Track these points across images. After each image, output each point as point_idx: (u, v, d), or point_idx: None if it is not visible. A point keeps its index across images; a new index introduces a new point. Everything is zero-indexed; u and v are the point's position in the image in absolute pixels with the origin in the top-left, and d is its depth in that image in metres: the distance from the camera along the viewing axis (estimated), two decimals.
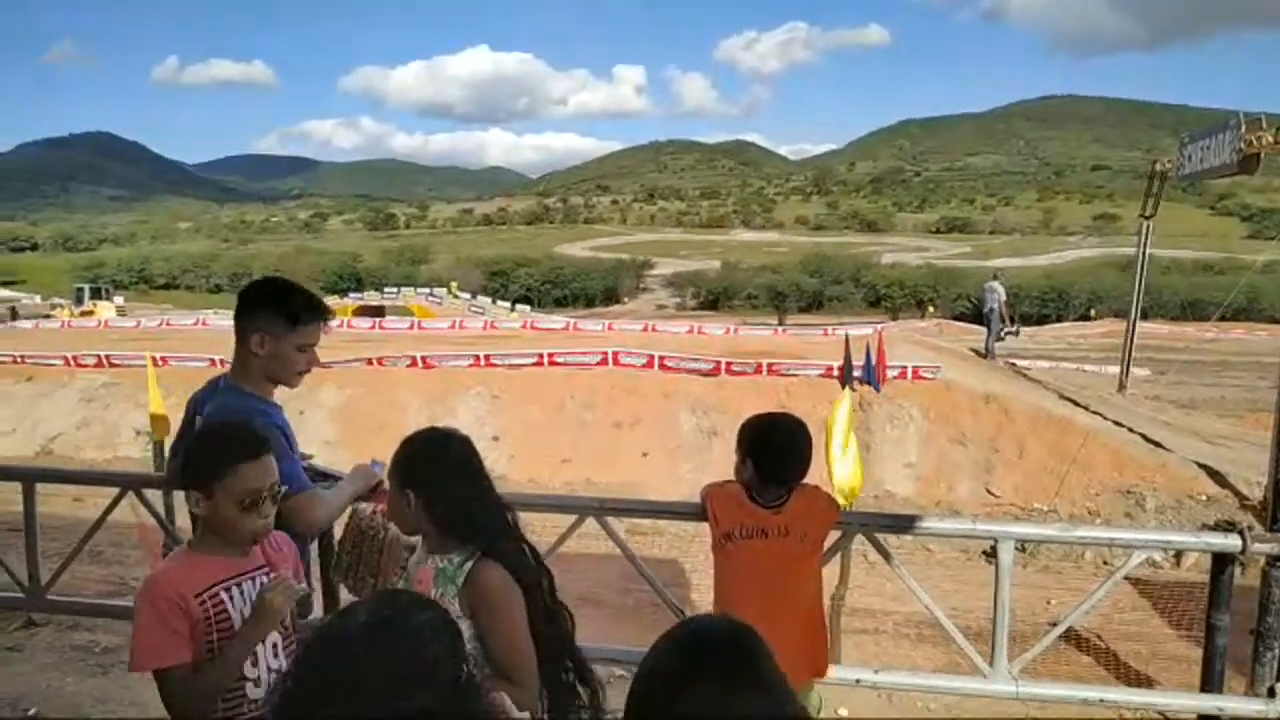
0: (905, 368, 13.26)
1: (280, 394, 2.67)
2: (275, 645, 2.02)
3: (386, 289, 43.88)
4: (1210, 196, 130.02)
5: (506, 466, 11.88)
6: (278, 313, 2.51)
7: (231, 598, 1.96)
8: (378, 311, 34.19)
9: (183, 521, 4.53)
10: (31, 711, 4.01)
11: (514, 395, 13.56)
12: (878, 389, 12.58)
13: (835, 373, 12.92)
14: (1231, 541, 3.32)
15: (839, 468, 4.93)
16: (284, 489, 2.08)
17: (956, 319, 50.56)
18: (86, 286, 44.99)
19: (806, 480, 2.81)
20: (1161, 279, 57.49)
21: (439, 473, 1.98)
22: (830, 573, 3.43)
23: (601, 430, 12.85)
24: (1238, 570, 3.41)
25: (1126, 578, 4.03)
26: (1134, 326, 15.91)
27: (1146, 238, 15.43)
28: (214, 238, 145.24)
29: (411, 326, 28.01)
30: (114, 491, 4.20)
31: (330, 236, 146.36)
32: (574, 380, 13.94)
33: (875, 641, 6.33)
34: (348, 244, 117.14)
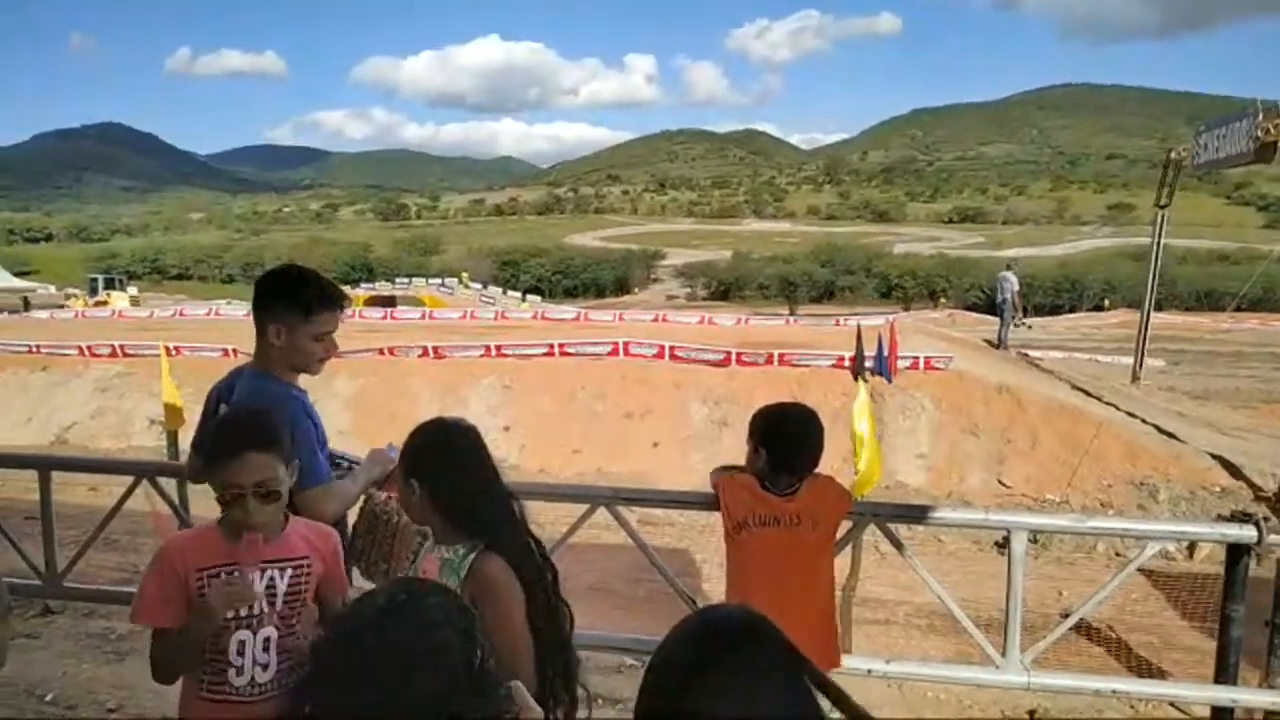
0: (917, 358, 13.20)
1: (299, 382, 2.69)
2: (268, 640, 2.02)
3: (398, 279, 43.99)
4: (1226, 185, 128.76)
5: (518, 456, 11.92)
6: (292, 304, 2.53)
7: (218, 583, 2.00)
8: (389, 302, 34.30)
9: (197, 510, 4.57)
10: (49, 697, 4.06)
11: (525, 385, 13.58)
12: (889, 379, 12.53)
13: (847, 363, 12.88)
14: (1247, 533, 3.30)
15: (861, 459, 4.98)
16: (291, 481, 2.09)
17: (969, 309, 50.31)
18: (100, 277, 45.18)
19: (819, 470, 2.82)
20: (1176, 269, 57.05)
21: (445, 463, 1.99)
22: (841, 563, 3.42)
23: (612, 420, 12.85)
24: (1253, 561, 3.39)
25: (1139, 569, 4.01)
26: (1148, 317, 15.81)
27: (1161, 227, 15.31)
28: (226, 228, 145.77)
29: (423, 316, 28.10)
30: (129, 480, 4.24)
31: (342, 227, 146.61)
32: (585, 370, 13.94)
33: (886, 632, 6.32)
34: (359, 234, 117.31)
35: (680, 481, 9.51)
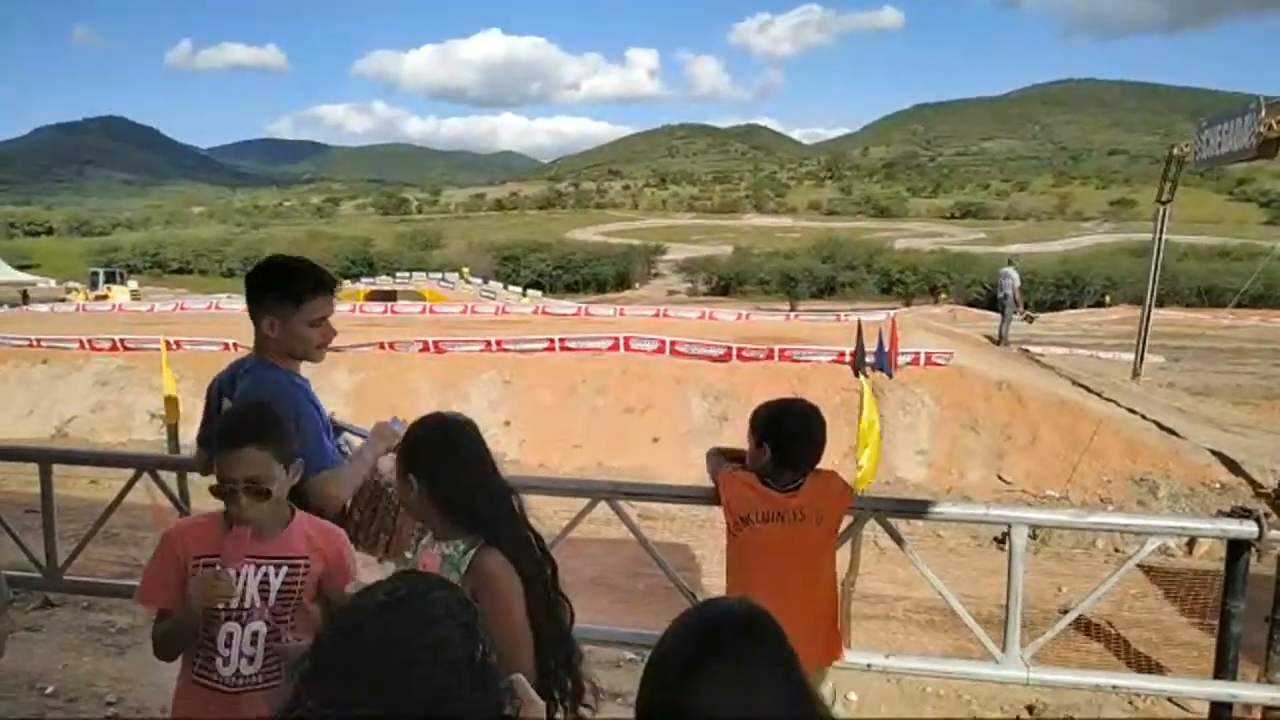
0: (918, 354, 13.21)
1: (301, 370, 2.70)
2: (256, 634, 2.03)
3: (398, 274, 43.87)
4: (1228, 181, 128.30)
5: (518, 451, 11.93)
6: (283, 295, 2.53)
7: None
8: (390, 296, 34.23)
9: (198, 503, 4.57)
10: (49, 690, 4.07)
11: (525, 380, 13.58)
12: (890, 375, 12.54)
13: (847, 359, 12.89)
14: (1248, 528, 3.30)
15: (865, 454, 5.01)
16: (291, 472, 2.10)
17: (970, 305, 50.25)
18: (101, 271, 45.07)
19: (821, 465, 2.82)
20: (1178, 265, 56.84)
21: (442, 459, 1.98)
22: (840, 559, 3.42)
23: (612, 415, 12.86)
24: (1253, 558, 3.39)
25: (1138, 565, 4.01)
26: (1149, 313, 15.80)
27: (1163, 223, 15.29)
28: (227, 222, 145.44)
29: (423, 311, 28.10)
30: (129, 474, 4.24)
31: (343, 221, 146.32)
32: (585, 365, 13.95)
33: (885, 627, 6.33)
34: (360, 229, 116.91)
35: (680, 476, 9.52)
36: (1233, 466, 10.15)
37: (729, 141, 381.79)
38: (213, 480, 2.04)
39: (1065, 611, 3.78)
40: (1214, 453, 10.54)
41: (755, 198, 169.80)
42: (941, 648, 5.69)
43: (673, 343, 14.51)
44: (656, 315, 27.12)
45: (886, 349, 12.70)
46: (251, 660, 2.03)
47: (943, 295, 62.91)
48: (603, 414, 12.91)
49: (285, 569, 2.06)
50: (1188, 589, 6.85)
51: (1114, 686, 3.69)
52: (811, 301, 63.68)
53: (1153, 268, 15.59)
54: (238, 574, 2.00)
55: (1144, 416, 11.98)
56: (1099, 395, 13.22)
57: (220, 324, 18.53)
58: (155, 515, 5.60)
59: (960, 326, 25.41)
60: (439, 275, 42.12)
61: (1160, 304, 18.84)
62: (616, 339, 14.75)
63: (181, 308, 29.88)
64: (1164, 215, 15.19)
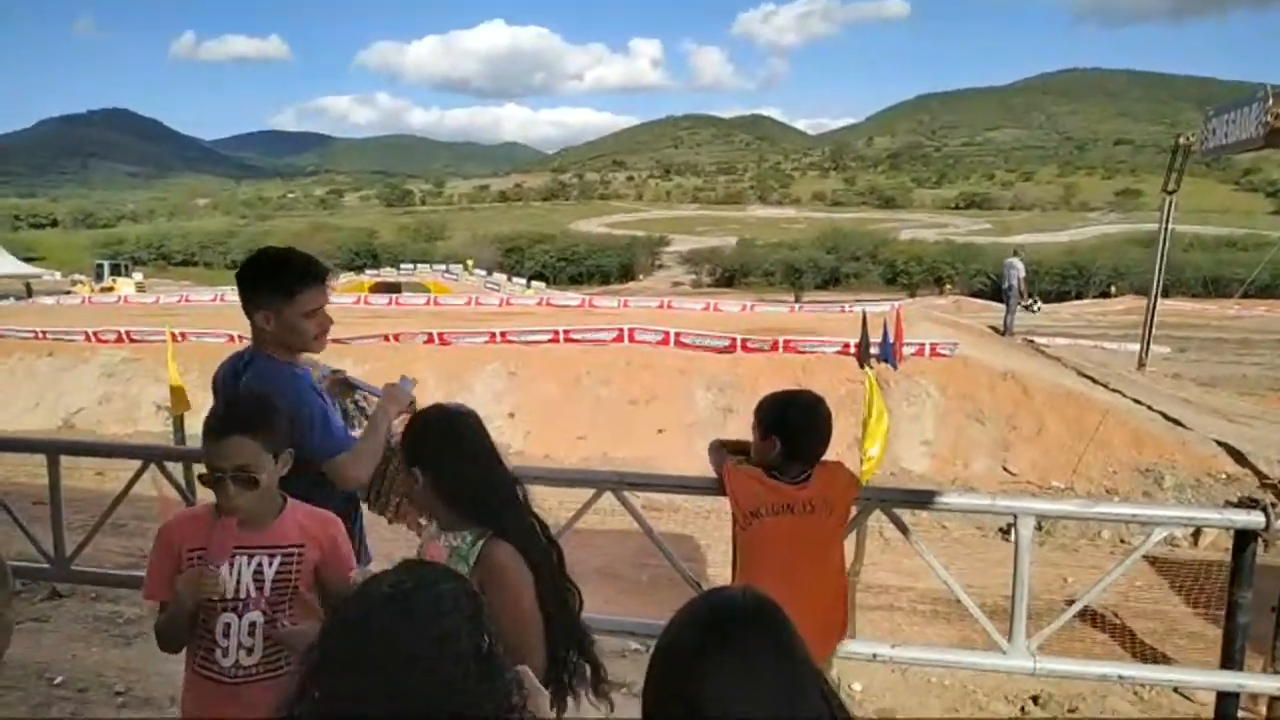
0: (922, 345, 13.18)
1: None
2: (254, 624, 2.03)
3: (403, 265, 43.93)
4: (1235, 171, 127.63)
5: (522, 442, 11.95)
6: (273, 289, 2.51)
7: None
8: (394, 288, 34.26)
9: (203, 494, 4.59)
10: (58, 680, 4.09)
11: (530, 371, 13.59)
12: (895, 366, 12.52)
13: (852, 350, 12.87)
14: (1255, 518, 3.29)
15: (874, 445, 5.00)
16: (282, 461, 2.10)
17: (975, 296, 50.16)
18: (106, 263, 45.16)
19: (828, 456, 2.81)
20: (1184, 255, 56.57)
21: (446, 450, 1.98)
22: (846, 549, 3.42)
23: (617, 406, 12.86)
24: (1259, 547, 3.38)
25: (1144, 556, 4.01)
26: (1155, 303, 15.76)
27: (1169, 213, 15.24)
28: (231, 214, 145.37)
29: (428, 303, 28.15)
30: (136, 465, 4.25)
31: (347, 213, 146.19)
32: (590, 357, 13.95)
33: (890, 618, 6.34)
34: (364, 220, 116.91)
35: (685, 467, 9.52)
36: (1239, 457, 10.12)
37: (733, 132, 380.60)
38: None
39: (1071, 602, 3.79)
40: (1220, 443, 10.51)
41: (759, 189, 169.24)
42: (947, 638, 5.69)
43: (677, 334, 14.49)
44: (661, 307, 27.14)
45: (891, 340, 12.67)
46: (250, 651, 2.03)
47: (948, 286, 62.84)
48: (607, 405, 12.92)
49: (279, 558, 2.06)
50: (1193, 579, 6.84)
51: (1120, 677, 3.69)
52: (816, 293, 63.60)
53: (1158, 258, 15.55)
54: (230, 566, 2.00)
55: (1150, 407, 11.95)
56: (1104, 386, 13.19)
57: (225, 316, 18.58)
58: (162, 506, 5.62)
59: (965, 317, 25.36)
60: (443, 267, 42.17)
61: (1166, 294, 18.83)
62: (621, 330, 14.74)
63: (186, 299, 29.92)
64: (1170, 205, 15.13)
